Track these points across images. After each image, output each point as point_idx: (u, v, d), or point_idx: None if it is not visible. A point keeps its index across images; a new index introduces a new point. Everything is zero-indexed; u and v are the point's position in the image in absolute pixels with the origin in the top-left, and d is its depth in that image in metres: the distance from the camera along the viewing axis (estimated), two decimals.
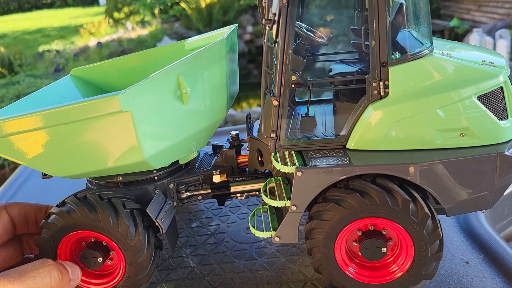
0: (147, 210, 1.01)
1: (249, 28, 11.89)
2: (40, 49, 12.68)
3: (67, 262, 0.97)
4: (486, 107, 0.94)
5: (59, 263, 0.94)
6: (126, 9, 14.58)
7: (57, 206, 1.02)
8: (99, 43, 12.12)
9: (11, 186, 1.82)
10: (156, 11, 13.78)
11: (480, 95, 0.93)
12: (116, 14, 14.53)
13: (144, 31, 12.77)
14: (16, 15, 20.23)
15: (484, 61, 0.97)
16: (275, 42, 0.91)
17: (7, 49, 11.41)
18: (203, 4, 12.35)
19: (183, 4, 12.73)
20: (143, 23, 13.60)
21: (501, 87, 0.95)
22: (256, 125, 1.20)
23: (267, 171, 1.16)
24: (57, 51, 12.29)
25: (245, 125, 1.23)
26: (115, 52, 10.98)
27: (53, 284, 0.88)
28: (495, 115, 0.94)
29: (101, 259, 1.00)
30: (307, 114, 1.11)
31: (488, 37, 8.18)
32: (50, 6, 21.85)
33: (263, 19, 0.91)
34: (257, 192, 1.16)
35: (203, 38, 1.34)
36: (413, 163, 0.91)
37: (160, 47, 1.39)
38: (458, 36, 10.21)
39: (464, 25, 10.46)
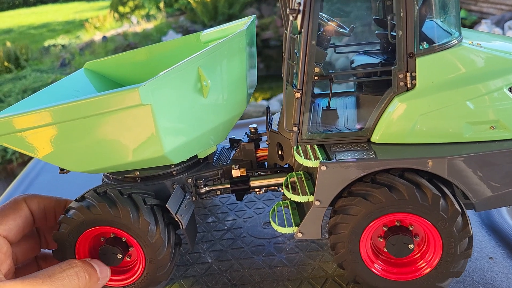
0: (167, 206, 0.99)
1: None
2: (46, 43, 12.68)
3: (95, 260, 0.96)
4: None
5: (87, 263, 0.93)
6: (131, 3, 14.53)
7: (76, 200, 1.00)
8: (104, 37, 12.09)
9: (22, 181, 1.81)
10: (161, 4, 13.72)
11: None
12: (121, 8, 14.48)
13: (149, 25, 12.73)
14: (22, 10, 20.24)
15: None
16: (300, 32, 0.89)
17: (13, 44, 11.41)
18: None
19: None
20: (148, 17, 13.55)
21: None
22: (274, 118, 1.17)
23: (286, 165, 1.14)
24: (63, 46, 12.28)
25: (259, 118, 1.20)
26: (120, 46, 10.96)
27: (80, 285, 0.88)
28: None
29: (120, 255, 0.99)
30: (328, 107, 1.08)
31: (497, 28, 8.08)
32: (56, 0, 21.84)
33: (287, 9, 0.88)
34: (276, 187, 1.14)
35: (219, 30, 1.31)
36: (442, 157, 0.88)
37: (172, 40, 1.37)
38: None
39: (471, 17, 10.34)
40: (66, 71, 9.61)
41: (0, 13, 19.91)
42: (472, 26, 9.82)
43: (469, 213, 1.23)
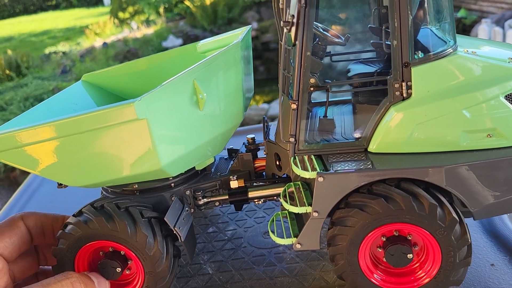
0: (165, 219, 0.99)
1: (254, 25, 11.83)
2: (47, 51, 12.71)
3: (93, 273, 0.96)
4: None
5: (85, 275, 0.93)
6: (130, 9, 14.56)
7: (73, 215, 1.00)
8: (104, 44, 12.12)
9: (24, 192, 1.81)
10: (161, 10, 13.75)
11: (508, 94, 0.90)
12: (121, 14, 14.52)
13: (149, 30, 12.75)
14: (22, 18, 20.30)
15: (511, 58, 0.93)
16: (294, 44, 0.89)
17: (14, 51, 11.45)
18: (207, 2, 12.30)
19: (187, 2, 12.68)
20: (148, 22, 13.58)
21: None
22: (272, 128, 1.17)
23: (285, 175, 1.14)
24: (64, 53, 12.31)
25: (256, 125, 1.20)
26: (121, 52, 10.97)
27: None
28: None
29: (120, 269, 0.99)
30: (325, 116, 1.08)
31: (497, 27, 8.06)
32: (56, 7, 21.90)
33: (281, 22, 0.88)
34: (275, 197, 1.14)
35: (216, 40, 1.31)
36: (439, 166, 0.88)
37: (170, 50, 1.37)
38: (466, 27, 10.07)
39: (471, 16, 10.31)
40: (67, 78, 9.63)
41: (1, 21, 20.00)
42: (472, 25, 9.80)
43: (470, 219, 1.23)
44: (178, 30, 12.43)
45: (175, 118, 0.95)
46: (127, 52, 10.97)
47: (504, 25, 8.08)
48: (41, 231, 1.04)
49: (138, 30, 13.01)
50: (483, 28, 8.27)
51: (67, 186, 1.06)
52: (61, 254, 0.99)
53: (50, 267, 1.06)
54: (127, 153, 0.94)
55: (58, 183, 1.07)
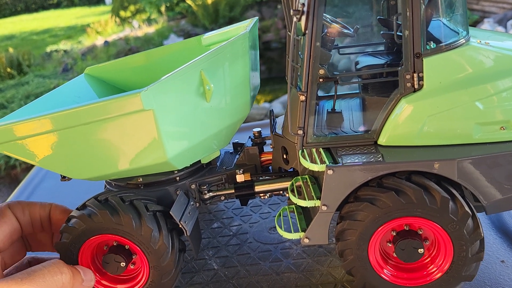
0: (170, 212, 0.97)
1: None
2: (48, 49, 12.71)
3: (77, 265, 0.95)
4: None
5: (71, 265, 0.92)
6: (132, 8, 14.55)
7: (77, 209, 0.98)
8: (106, 42, 12.11)
9: (25, 188, 1.79)
10: (162, 8, 13.74)
11: None
12: (122, 13, 14.51)
13: (150, 29, 12.74)
14: (24, 16, 20.29)
15: None
16: (304, 34, 0.87)
17: (15, 50, 11.44)
18: (209, 1, 12.29)
19: (189, 1, 12.67)
20: (149, 21, 13.57)
21: None
22: (279, 121, 1.15)
23: (291, 169, 1.12)
24: (65, 51, 12.30)
25: (261, 121, 1.18)
26: (122, 51, 10.96)
27: (64, 282, 0.86)
28: None
29: (124, 263, 0.97)
30: (333, 109, 1.06)
31: (499, 27, 8.04)
32: (57, 6, 21.89)
33: (291, 10, 0.86)
34: (281, 192, 1.12)
35: (221, 33, 1.29)
36: (451, 159, 0.86)
37: (173, 44, 1.36)
38: None
39: (473, 16, 10.29)
40: (68, 76, 9.62)
41: (2, 19, 20.00)
42: (474, 25, 9.77)
43: (479, 216, 1.21)
44: (179, 29, 12.41)
45: (182, 110, 0.93)
46: (128, 50, 10.95)
47: (507, 24, 8.06)
48: (28, 220, 1.02)
49: (139, 29, 13.00)
50: (486, 28, 8.24)
51: (71, 179, 1.04)
52: (64, 248, 0.97)
53: (43, 255, 1.05)
54: (133, 145, 0.92)
55: (61, 176, 1.05)
